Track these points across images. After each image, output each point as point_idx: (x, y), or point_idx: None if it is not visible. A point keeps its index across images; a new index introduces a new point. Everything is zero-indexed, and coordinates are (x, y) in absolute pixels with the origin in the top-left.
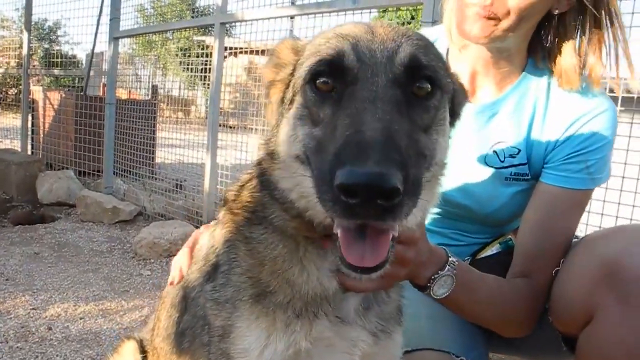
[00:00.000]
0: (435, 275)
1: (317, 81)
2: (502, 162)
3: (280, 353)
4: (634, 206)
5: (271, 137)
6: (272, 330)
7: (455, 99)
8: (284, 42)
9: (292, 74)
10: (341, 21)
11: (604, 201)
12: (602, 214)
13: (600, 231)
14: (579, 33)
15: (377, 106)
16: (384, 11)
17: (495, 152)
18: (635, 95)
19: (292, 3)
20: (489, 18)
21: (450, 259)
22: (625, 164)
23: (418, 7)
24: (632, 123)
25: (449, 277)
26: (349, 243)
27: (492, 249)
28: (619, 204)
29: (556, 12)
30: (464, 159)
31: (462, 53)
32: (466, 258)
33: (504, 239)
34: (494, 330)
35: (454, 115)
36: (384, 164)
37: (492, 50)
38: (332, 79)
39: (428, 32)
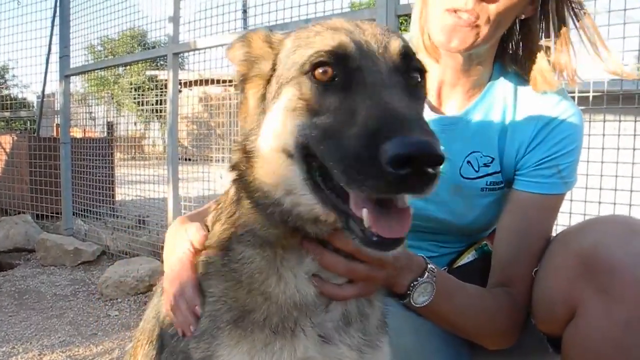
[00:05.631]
0: (415, 282)
1: (317, 71)
2: (477, 172)
3: None
4: (600, 202)
5: (249, 135)
6: (254, 352)
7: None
8: (257, 33)
9: (273, 69)
10: None
11: (571, 200)
12: (570, 213)
13: (574, 226)
14: (543, 34)
15: (390, 90)
16: None
17: (469, 162)
18: (591, 95)
19: (245, 28)
20: (474, 26)
21: (429, 265)
22: (587, 161)
23: None
24: (590, 121)
25: (429, 284)
26: (377, 217)
27: (468, 257)
28: (585, 201)
29: (522, 17)
30: None
31: (435, 64)
32: (443, 268)
33: (479, 245)
34: (478, 342)
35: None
36: (429, 134)
37: (465, 58)
38: (334, 69)
39: None
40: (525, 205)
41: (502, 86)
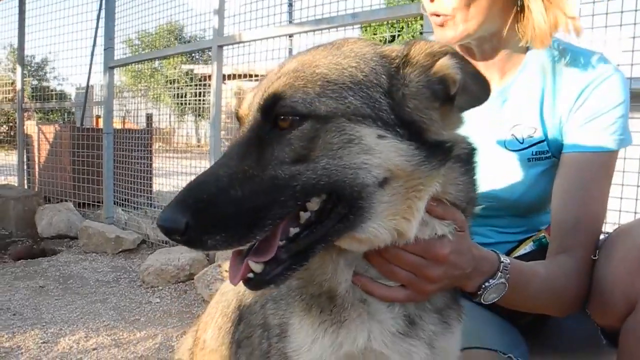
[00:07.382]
0: (487, 284)
1: None
2: (522, 143)
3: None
4: None
5: None
6: (315, 327)
7: (400, 109)
8: None
9: None
10: (341, 36)
11: (621, 198)
12: (619, 211)
13: (635, 220)
14: None
15: (226, 152)
16: (365, 28)
17: (513, 135)
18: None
19: (290, 22)
20: (451, 19)
21: (502, 263)
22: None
23: (418, 20)
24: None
25: (501, 284)
26: (230, 265)
27: (526, 248)
28: (636, 200)
29: None
30: (485, 149)
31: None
32: None
33: (537, 237)
34: (546, 313)
35: (409, 123)
36: (170, 209)
37: (478, 43)
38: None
39: None
40: (577, 165)
41: (540, 56)
